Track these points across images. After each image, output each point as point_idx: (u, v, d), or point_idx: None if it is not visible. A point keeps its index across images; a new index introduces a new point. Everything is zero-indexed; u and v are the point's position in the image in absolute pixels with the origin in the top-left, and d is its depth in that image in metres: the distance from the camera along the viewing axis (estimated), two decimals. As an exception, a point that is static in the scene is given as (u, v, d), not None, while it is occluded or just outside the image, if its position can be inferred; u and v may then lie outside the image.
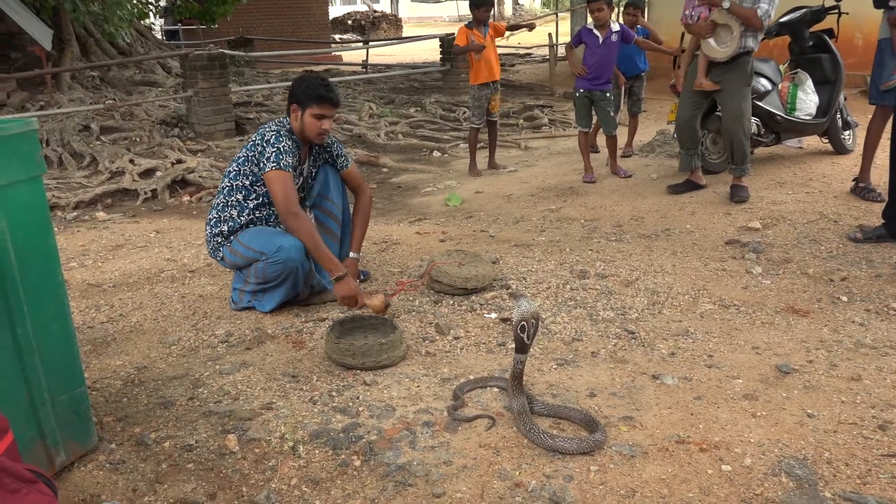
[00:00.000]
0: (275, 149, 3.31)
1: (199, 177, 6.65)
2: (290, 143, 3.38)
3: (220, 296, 3.83)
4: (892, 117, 4.12)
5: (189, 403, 2.70)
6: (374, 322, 3.22)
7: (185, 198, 6.38)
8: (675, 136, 6.20)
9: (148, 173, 6.71)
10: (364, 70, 14.94)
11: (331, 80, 3.49)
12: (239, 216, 3.47)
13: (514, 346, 2.41)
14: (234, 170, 3.49)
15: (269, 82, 12.01)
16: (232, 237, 3.47)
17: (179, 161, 6.96)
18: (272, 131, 3.39)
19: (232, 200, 3.48)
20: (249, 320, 3.47)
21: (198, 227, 5.43)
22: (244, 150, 3.47)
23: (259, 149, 3.37)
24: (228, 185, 3.49)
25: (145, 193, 6.34)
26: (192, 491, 2.17)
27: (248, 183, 3.45)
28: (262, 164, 3.34)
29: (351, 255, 3.73)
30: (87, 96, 9.26)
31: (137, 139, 7.75)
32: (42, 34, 9.36)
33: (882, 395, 2.55)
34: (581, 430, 2.41)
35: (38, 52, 9.51)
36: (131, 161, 6.83)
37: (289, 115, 3.47)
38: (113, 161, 6.86)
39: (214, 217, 3.51)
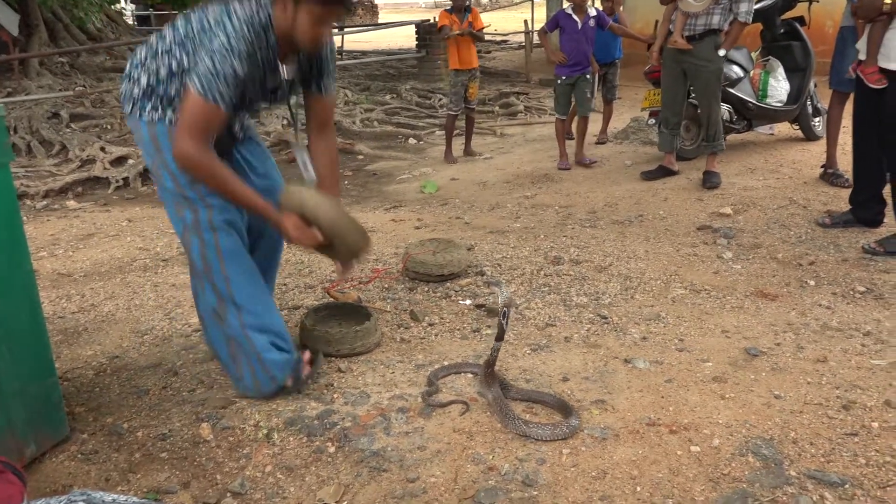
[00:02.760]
0: (213, 67, 2.19)
1: (172, 165, 6.57)
2: (247, 63, 2.24)
3: (193, 284, 3.81)
4: (852, 104, 4.18)
5: (162, 392, 2.69)
6: (349, 309, 3.20)
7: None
8: (649, 122, 6.26)
9: (120, 161, 6.63)
10: (339, 56, 14.83)
11: None
12: (159, 81, 2.37)
13: (492, 332, 2.43)
14: (180, 33, 2.34)
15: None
16: (153, 97, 2.38)
17: (152, 149, 6.87)
18: (227, 38, 2.20)
19: (165, 62, 2.35)
20: (223, 309, 3.45)
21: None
22: (194, 21, 2.31)
23: (207, 37, 2.22)
24: (168, 44, 2.35)
25: (117, 182, 6.26)
26: (165, 480, 2.17)
27: (175, 67, 2.34)
28: (191, 65, 2.26)
29: None
30: (56, 83, 9.12)
31: (108, 126, 7.64)
32: (8, 19, 9.19)
33: (846, 375, 2.61)
34: (555, 415, 2.44)
35: (4, 38, 9.34)
36: (102, 149, 6.74)
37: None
38: (83, 149, 6.77)
39: (139, 58, 2.42)
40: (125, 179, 6.32)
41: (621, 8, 7.27)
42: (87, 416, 2.52)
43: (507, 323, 2.46)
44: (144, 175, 6.44)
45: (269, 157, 2.80)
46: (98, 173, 6.35)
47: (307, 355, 2.70)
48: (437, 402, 2.51)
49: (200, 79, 2.19)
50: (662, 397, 2.51)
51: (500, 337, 2.48)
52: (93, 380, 2.81)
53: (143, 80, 2.38)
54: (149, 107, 2.37)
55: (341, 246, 2.45)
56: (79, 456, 2.29)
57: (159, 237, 4.73)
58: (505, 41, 17.53)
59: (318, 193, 2.43)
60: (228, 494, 2.09)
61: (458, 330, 3.16)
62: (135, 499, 1.11)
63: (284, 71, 2.44)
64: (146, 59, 2.39)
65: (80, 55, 10.79)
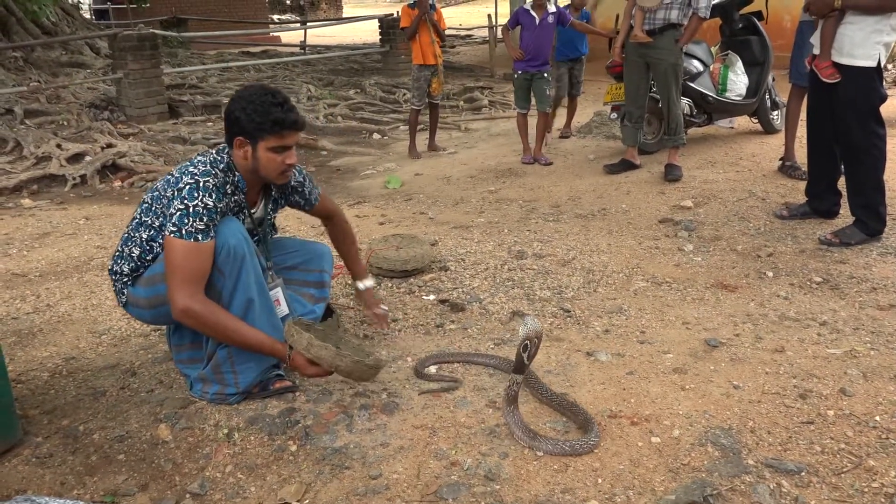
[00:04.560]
0: (184, 206, 2.25)
1: (131, 161, 6.45)
2: (216, 194, 2.31)
3: (152, 283, 3.74)
4: (808, 98, 4.27)
5: (120, 393, 2.64)
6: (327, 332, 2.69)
7: (117, 183, 6.19)
8: (611, 116, 6.30)
9: (76, 158, 6.48)
10: (302, 51, 14.69)
11: (279, 91, 2.42)
12: (140, 258, 2.46)
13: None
14: (146, 203, 2.45)
15: (203, 64, 11.71)
16: (135, 278, 2.49)
17: (110, 145, 6.74)
18: (193, 177, 2.30)
19: (136, 237, 2.46)
20: (183, 307, 3.40)
21: (130, 213, 5.27)
22: (158, 185, 2.43)
23: (171, 189, 2.31)
24: (138, 217, 2.47)
25: (74, 179, 6.12)
26: (123, 482, 2.13)
27: (145, 236, 2.42)
28: (164, 222, 2.34)
29: (361, 284, 3.01)
30: (9, 78, 8.87)
31: (65, 123, 7.47)
32: (-41, 13, 8.92)
33: (803, 365, 2.66)
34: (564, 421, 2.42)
35: (-46, 32, 9.06)
36: (58, 145, 6.58)
37: (230, 146, 2.42)
38: (39, 146, 6.59)
39: (118, 250, 2.53)
40: (82, 177, 6.18)
41: (589, 3, 7.31)
42: (42, 419, 2.46)
43: (529, 356, 2.24)
44: (102, 172, 6.31)
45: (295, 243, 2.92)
46: (54, 171, 6.20)
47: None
48: (429, 374, 2.51)
49: (175, 223, 2.26)
50: (624, 389, 2.53)
51: (518, 370, 2.26)
52: (48, 381, 2.74)
53: (126, 269, 2.48)
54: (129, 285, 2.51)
55: (350, 377, 2.44)
56: (33, 460, 2.23)
57: (118, 235, 4.63)
58: (469, 36, 17.52)
59: (316, 340, 2.33)
60: (188, 496, 2.06)
61: (422, 325, 3.15)
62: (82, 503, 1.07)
63: (252, 216, 2.55)
64: (122, 247, 2.50)
65: (35, 50, 10.52)
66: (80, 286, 3.74)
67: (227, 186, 2.39)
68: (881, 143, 3.84)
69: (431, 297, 3.44)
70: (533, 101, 6.35)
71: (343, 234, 2.95)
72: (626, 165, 5.75)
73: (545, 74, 6.20)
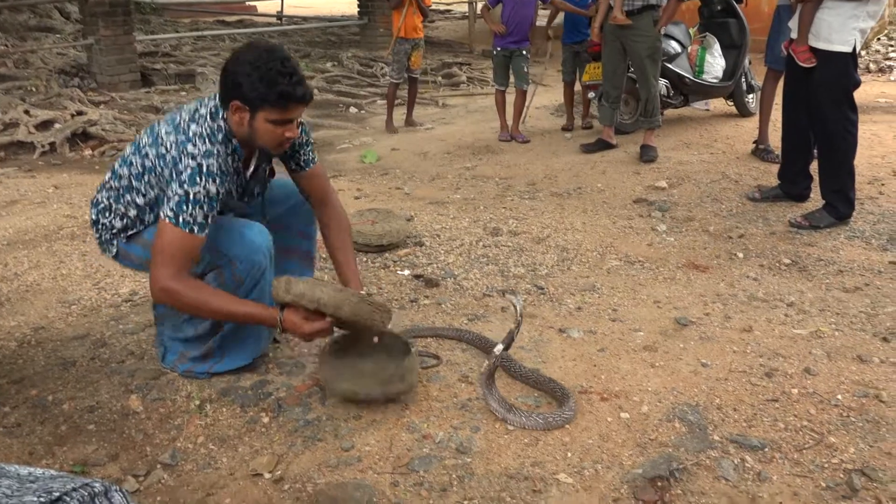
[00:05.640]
0: (184, 193, 2.13)
1: (102, 129, 6.32)
2: (220, 178, 2.18)
3: (124, 253, 3.69)
4: (783, 82, 4.30)
5: (90, 364, 2.61)
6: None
7: (87, 151, 6.07)
8: (589, 96, 6.31)
9: (45, 125, 6.33)
10: (279, 22, 14.46)
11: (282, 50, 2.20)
12: (141, 215, 2.38)
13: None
14: (137, 170, 2.31)
15: (177, 32, 11.49)
16: (130, 233, 2.42)
17: (80, 113, 6.60)
18: (194, 159, 2.15)
19: (130, 199, 2.36)
20: (155, 278, 3.36)
21: (100, 182, 5.19)
22: (152, 149, 2.27)
23: (169, 170, 2.19)
24: (127, 180, 2.35)
25: (43, 147, 5.99)
26: (93, 452, 2.12)
27: (140, 201, 2.34)
28: (160, 195, 2.26)
29: None
30: (-25, 41, 8.64)
31: (33, 89, 7.30)
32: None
33: (770, 344, 2.71)
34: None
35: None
36: (26, 112, 6.42)
37: (224, 108, 2.22)
38: (6, 112, 6.43)
39: (104, 203, 2.44)
40: (51, 144, 6.04)
41: None
42: (10, 389, 2.44)
43: (517, 332, 2.29)
44: (72, 140, 6.19)
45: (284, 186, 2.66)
46: (22, 137, 6.06)
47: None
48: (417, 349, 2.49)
49: (173, 208, 2.13)
50: (595, 366, 2.56)
51: (507, 346, 2.29)
52: (16, 351, 2.71)
53: (118, 224, 2.40)
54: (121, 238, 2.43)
55: (363, 329, 2.26)
56: (0, 429, 2.21)
57: (88, 204, 4.55)
58: (448, 11, 17.37)
59: (329, 286, 2.18)
60: (158, 466, 2.05)
61: (397, 300, 3.16)
62: (52, 472, 1.07)
63: (246, 178, 2.38)
64: (111, 202, 2.40)
65: (2, 12, 10.24)
66: (50, 255, 3.68)
67: (228, 160, 2.22)
68: (853, 128, 3.89)
69: (406, 272, 3.44)
70: (512, 78, 6.32)
71: (336, 229, 2.58)
72: (602, 145, 5.77)
73: (524, 52, 6.18)
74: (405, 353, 2.29)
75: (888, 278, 3.31)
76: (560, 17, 6.57)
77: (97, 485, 1.05)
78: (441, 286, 3.28)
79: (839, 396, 2.35)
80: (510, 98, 6.42)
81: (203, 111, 2.25)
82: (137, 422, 2.26)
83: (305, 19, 14.57)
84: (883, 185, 4.67)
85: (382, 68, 9.67)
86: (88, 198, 4.63)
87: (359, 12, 11.83)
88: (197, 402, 2.34)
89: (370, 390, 2.21)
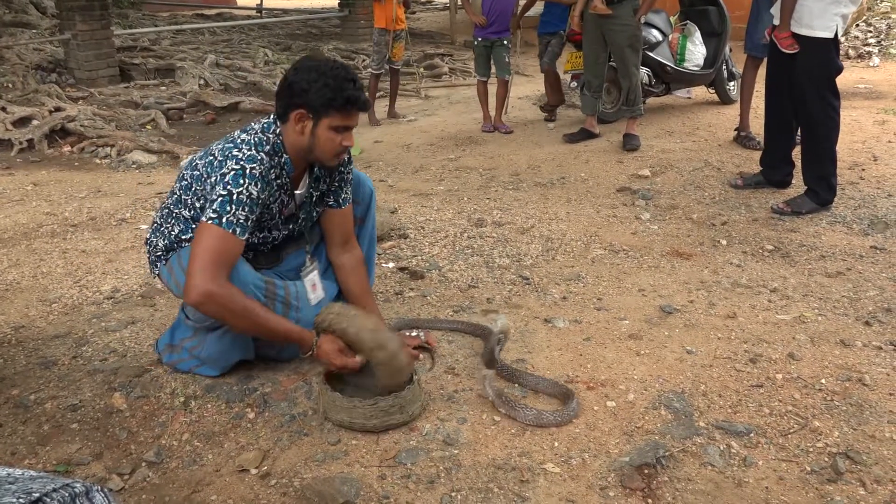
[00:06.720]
0: (227, 193, 2.13)
1: (81, 126, 6.24)
2: (261, 183, 2.18)
3: (104, 251, 3.66)
4: (765, 69, 4.32)
5: (73, 362, 2.58)
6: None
7: (66, 148, 6.00)
8: (571, 85, 6.31)
9: (23, 122, 6.24)
10: (259, 14, 14.36)
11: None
12: (182, 235, 2.37)
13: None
14: (185, 181, 2.34)
15: (156, 26, 11.36)
16: (171, 254, 2.40)
17: (58, 109, 6.51)
18: (238, 163, 2.16)
19: (177, 214, 2.37)
20: (138, 276, 3.33)
21: (80, 178, 5.15)
22: (199, 162, 2.31)
23: (214, 174, 2.19)
24: (178, 194, 2.37)
25: (20, 143, 5.91)
26: (76, 451, 2.09)
27: (187, 215, 2.34)
28: (204, 204, 2.23)
29: None
30: (-50, 37, 8.51)
31: (10, 85, 7.19)
32: None
33: (754, 330, 2.73)
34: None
35: None
36: (3, 108, 6.34)
37: (283, 120, 2.24)
38: (-18, 108, 6.35)
39: (157, 221, 2.46)
40: (30, 141, 5.97)
41: None
42: (-10, 389, 2.41)
43: (499, 351, 2.37)
44: (51, 137, 6.11)
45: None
46: (-1, 135, 5.99)
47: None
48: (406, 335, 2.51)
49: (216, 209, 2.12)
50: (581, 355, 2.57)
51: (490, 365, 2.37)
52: (-4, 351, 2.67)
53: (161, 244, 2.40)
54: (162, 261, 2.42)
55: (385, 376, 2.20)
56: (-19, 430, 2.18)
57: (68, 202, 4.51)
58: (430, 2, 17.31)
59: (375, 326, 2.19)
60: (143, 464, 2.03)
61: (381, 293, 3.14)
62: (32, 472, 1.05)
63: (294, 198, 2.37)
64: (162, 220, 2.42)
65: (-23, 8, 10.10)
66: (29, 254, 3.64)
67: (272, 171, 2.23)
68: (835, 114, 3.92)
69: (391, 264, 3.43)
70: (493, 68, 6.31)
71: (360, 280, 2.57)
72: (585, 134, 5.77)
73: (505, 42, 6.16)
74: (408, 382, 2.21)
75: (870, 262, 3.34)
76: (538, 7, 6.55)
77: (78, 485, 1.03)
78: (426, 278, 3.28)
79: (823, 381, 2.37)
80: (492, 89, 6.41)
81: (256, 126, 2.29)
82: (121, 420, 2.24)
83: (286, 12, 14.49)
84: (863, 170, 4.70)
85: (364, 60, 9.62)
86: (68, 195, 4.62)
87: (339, 4, 11.77)
88: (182, 399, 2.32)
89: (366, 421, 2.13)
